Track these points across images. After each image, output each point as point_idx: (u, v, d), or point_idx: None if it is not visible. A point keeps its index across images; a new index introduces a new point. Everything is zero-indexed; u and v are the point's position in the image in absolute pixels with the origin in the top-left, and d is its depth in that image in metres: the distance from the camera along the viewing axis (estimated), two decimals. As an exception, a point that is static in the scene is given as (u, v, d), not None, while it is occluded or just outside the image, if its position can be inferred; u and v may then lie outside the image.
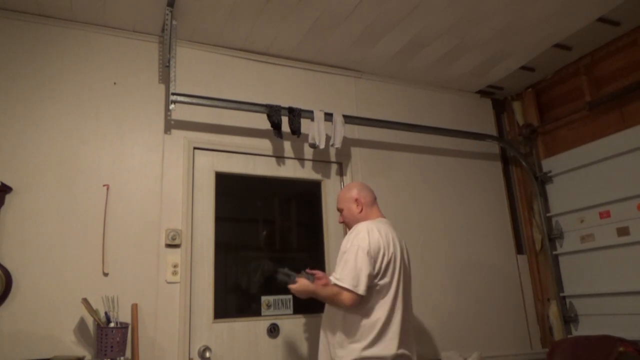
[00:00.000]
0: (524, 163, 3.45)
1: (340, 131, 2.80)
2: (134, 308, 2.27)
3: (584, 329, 3.04)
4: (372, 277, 1.90)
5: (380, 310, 1.91)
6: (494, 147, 3.59)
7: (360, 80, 3.25)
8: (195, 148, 2.66)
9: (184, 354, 2.33)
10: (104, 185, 2.40)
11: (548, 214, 3.31)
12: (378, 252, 1.94)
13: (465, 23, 2.73)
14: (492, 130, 3.63)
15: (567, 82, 3.31)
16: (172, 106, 2.51)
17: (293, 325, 2.62)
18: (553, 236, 3.27)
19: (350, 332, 1.90)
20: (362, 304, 1.90)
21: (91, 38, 2.59)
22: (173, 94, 2.51)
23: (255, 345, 2.51)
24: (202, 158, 2.68)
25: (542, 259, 3.35)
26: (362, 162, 3.05)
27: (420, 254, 3.01)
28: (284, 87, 2.98)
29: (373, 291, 1.91)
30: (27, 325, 2.11)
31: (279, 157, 2.87)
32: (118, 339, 2.10)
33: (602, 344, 2.49)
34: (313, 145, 2.76)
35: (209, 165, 2.69)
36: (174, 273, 2.41)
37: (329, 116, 2.82)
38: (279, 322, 2.60)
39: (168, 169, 2.55)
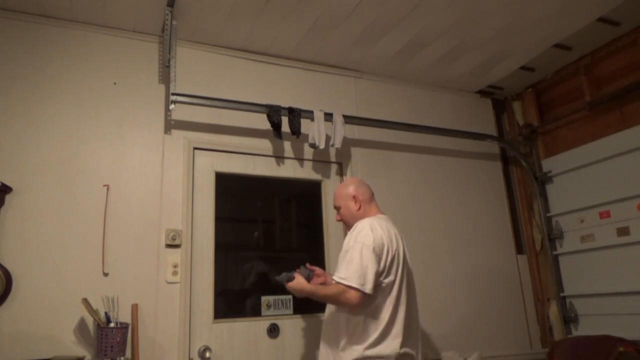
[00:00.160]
0: (524, 163, 3.45)
1: (340, 131, 2.80)
2: (134, 308, 2.27)
3: (584, 329, 3.04)
4: (378, 275, 1.85)
5: (385, 309, 1.86)
6: (494, 147, 3.59)
7: (360, 80, 3.25)
8: (195, 148, 2.66)
9: (184, 354, 2.33)
10: (104, 185, 2.40)
11: (548, 214, 3.31)
12: (382, 249, 1.89)
13: (465, 23, 2.73)
14: (492, 130, 3.63)
15: (567, 82, 3.31)
16: (172, 106, 2.51)
17: (293, 326, 2.62)
18: (553, 236, 3.27)
19: (354, 334, 1.85)
20: (367, 303, 1.85)
21: (91, 38, 2.59)
22: (173, 94, 2.51)
23: (255, 345, 2.51)
24: (202, 158, 2.68)
25: (542, 259, 3.35)
26: (362, 162, 3.05)
27: (420, 254, 3.00)
28: (283, 87, 2.98)
29: (378, 290, 1.86)
30: (27, 325, 2.11)
31: (279, 157, 2.87)
32: (118, 339, 2.10)
33: (602, 344, 2.49)
34: (313, 146, 2.76)
35: (209, 166, 2.69)
36: (174, 273, 2.41)
37: (329, 116, 2.82)
38: (279, 322, 2.60)
39: (168, 169, 2.55)
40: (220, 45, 2.85)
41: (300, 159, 2.92)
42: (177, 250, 2.45)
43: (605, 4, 2.62)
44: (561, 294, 3.17)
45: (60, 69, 2.48)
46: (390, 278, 1.89)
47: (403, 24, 2.71)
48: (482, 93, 3.65)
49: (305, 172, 2.92)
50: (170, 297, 2.38)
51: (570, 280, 3.17)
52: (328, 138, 2.80)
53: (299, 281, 1.94)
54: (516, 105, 3.63)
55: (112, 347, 2.08)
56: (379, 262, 1.86)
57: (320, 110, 2.81)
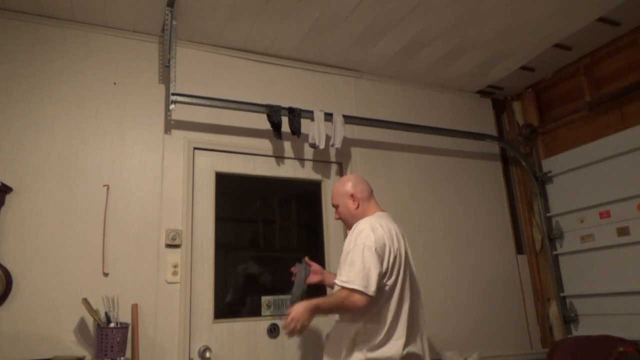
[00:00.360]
0: (524, 163, 3.45)
1: (340, 131, 2.80)
2: (134, 308, 2.27)
3: (584, 329, 3.04)
4: (381, 276, 1.81)
5: (388, 311, 1.82)
6: (494, 147, 3.59)
7: (360, 80, 3.25)
8: (195, 148, 2.66)
9: (184, 354, 2.33)
10: (104, 186, 2.40)
11: (548, 214, 3.31)
12: (384, 250, 1.85)
13: (465, 23, 2.73)
14: (492, 130, 3.63)
15: (567, 82, 3.31)
16: (172, 106, 2.51)
17: (293, 325, 2.62)
18: (553, 236, 3.27)
19: (357, 336, 1.82)
20: (371, 304, 1.80)
21: (91, 38, 2.59)
22: (173, 94, 2.51)
23: (255, 345, 2.51)
24: (202, 158, 2.68)
25: (542, 259, 3.35)
26: (362, 162, 3.05)
27: (420, 254, 3.00)
28: (283, 87, 2.98)
29: (382, 291, 1.83)
30: (27, 325, 2.11)
31: (279, 157, 2.87)
32: (118, 339, 2.10)
33: (602, 344, 2.49)
34: (313, 146, 2.76)
35: (209, 166, 2.69)
36: (174, 273, 2.41)
37: (329, 116, 2.82)
38: (279, 322, 2.60)
39: (168, 169, 2.55)
40: (220, 45, 2.85)
41: (300, 159, 2.92)
42: (177, 250, 2.45)
43: (605, 4, 2.62)
44: (561, 294, 3.17)
45: (60, 69, 2.48)
46: (393, 278, 1.86)
47: (403, 24, 2.71)
48: (482, 93, 3.65)
49: (305, 172, 2.92)
50: (170, 297, 2.38)
51: (570, 280, 3.17)
52: (328, 138, 2.80)
53: (297, 309, 1.78)
54: (516, 105, 3.63)
55: (112, 347, 2.08)
56: (381, 263, 1.82)
57: (320, 110, 2.81)
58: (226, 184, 2.71)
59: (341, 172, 3.01)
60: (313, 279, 2.23)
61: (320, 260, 2.79)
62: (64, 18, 2.53)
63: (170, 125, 2.63)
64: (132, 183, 2.46)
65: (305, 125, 2.77)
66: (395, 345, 1.80)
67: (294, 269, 2.23)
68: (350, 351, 1.82)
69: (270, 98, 2.86)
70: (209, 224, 2.60)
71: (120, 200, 2.41)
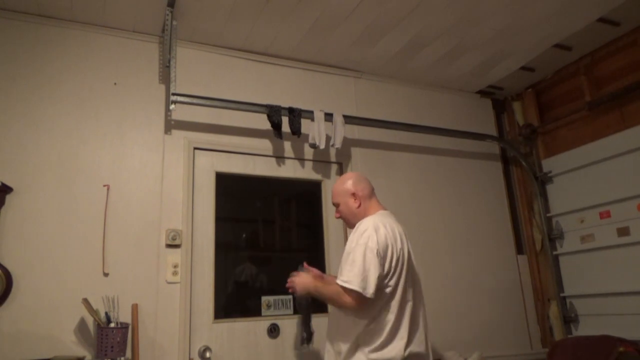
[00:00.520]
0: (524, 163, 3.45)
1: (341, 131, 2.81)
2: (134, 308, 2.27)
3: (584, 329, 3.04)
4: (381, 278, 1.80)
5: (390, 312, 1.81)
6: (494, 147, 3.59)
7: (360, 80, 3.25)
8: (195, 148, 2.66)
9: (184, 354, 2.33)
10: (104, 186, 2.40)
11: (548, 214, 3.31)
12: (386, 251, 1.83)
13: (465, 23, 2.73)
14: (492, 130, 3.63)
15: (567, 82, 3.31)
16: (172, 106, 2.51)
17: (293, 326, 2.62)
18: (553, 236, 3.27)
19: (360, 337, 1.81)
20: (372, 306, 1.80)
21: (91, 38, 2.59)
22: (173, 94, 2.51)
23: (255, 345, 2.51)
24: (202, 158, 2.68)
25: (542, 259, 3.35)
26: (362, 162, 3.05)
27: (420, 254, 2.98)
28: (283, 87, 2.98)
29: (383, 292, 1.82)
30: (27, 325, 2.11)
31: (279, 157, 2.87)
32: (118, 339, 2.10)
33: (602, 344, 2.49)
34: (313, 146, 2.76)
35: (209, 166, 2.69)
36: (174, 273, 2.41)
37: (329, 116, 2.82)
38: (279, 322, 2.60)
39: (168, 169, 2.55)
40: (220, 45, 2.85)
41: (300, 159, 2.92)
42: (177, 250, 2.45)
43: (605, 4, 2.62)
44: (561, 294, 3.17)
45: (60, 69, 2.48)
46: (395, 279, 1.84)
47: (403, 24, 2.72)
48: (482, 93, 3.65)
49: (305, 172, 2.92)
50: (171, 297, 2.38)
51: (570, 281, 3.17)
52: (328, 138, 2.80)
53: (302, 275, 1.90)
54: (516, 106, 3.63)
55: (112, 347, 2.08)
56: (382, 265, 1.81)
57: (321, 110, 2.81)
58: (226, 184, 2.71)
59: (341, 172, 3.01)
60: None
61: (321, 261, 2.80)
62: (64, 18, 2.53)
63: (171, 125, 2.63)
64: (132, 183, 2.46)
65: (305, 125, 2.77)
66: (397, 346, 1.79)
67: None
68: (354, 347, 1.82)
69: (271, 98, 2.86)
70: (209, 224, 2.60)
71: (121, 200, 2.41)
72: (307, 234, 2.93)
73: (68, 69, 2.49)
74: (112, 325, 2.15)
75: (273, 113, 2.68)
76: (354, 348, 1.82)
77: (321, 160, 2.97)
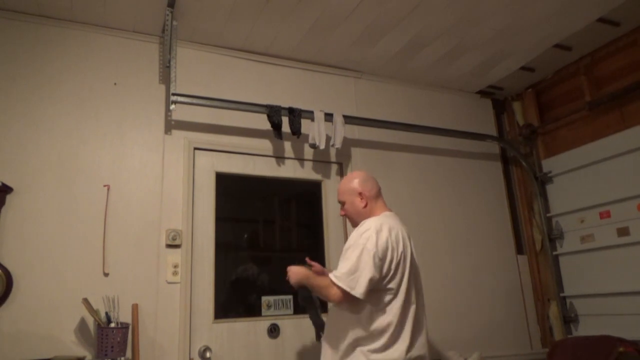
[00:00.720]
0: (524, 163, 3.45)
1: (341, 131, 2.81)
2: (135, 308, 2.27)
3: (584, 329, 3.04)
4: (375, 281, 1.79)
5: (391, 313, 1.80)
6: (494, 147, 3.59)
7: (360, 80, 3.25)
8: (195, 148, 2.66)
9: (184, 354, 2.33)
10: (104, 186, 2.40)
11: (548, 214, 3.31)
12: (386, 254, 1.82)
13: (465, 23, 2.73)
14: (492, 130, 3.63)
15: (567, 82, 3.31)
16: (172, 106, 2.51)
17: (293, 326, 2.62)
18: (553, 236, 3.27)
19: (360, 338, 1.81)
20: (373, 306, 1.80)
21: (91, 38, 2.59)
22: (173, 94, 2.51)
23: (255, 345, 2.51)
24: (202, 158, 2.68)
25: (542, 259, 3.35)
26: (362, 163, 3.05)
27: (420, 254, 2.95)
28: (284, 87, 2.98)
29: (384, 294, 1.82)
30: (28, 325, 2.11)
31: (279, 158, 2.87)
32: (118, 339, 2.10)
33: (602, 344, 2.49)
34: (313, 146, 2.76)
35: (209, 166, 2.69)
36: (175, 273, 2.41)
37: (329, 116, 2.82)
38: (279, 322, 2.60)
39: (168, 169, 2.55)
40: (221, 46, 2.85)
41: (300, 159, 2.92)
42: (178, 251, 2.45)
43: (605, 4, 2.62)
44: (561, 294, 3.17)
45: (60, 69, 2.48)
46: (396, 282, 1.83)
47: (403, 24, 2.72)
48: (482, 93, 3.65)
49: (305, 172, 2.92)
50: (171, 297, 2.38)
51: (570, 281, 3.17)
52: (328, 138, 2.80)
53: (295, 270, 1.92)
54: (516, 106, 3.63)
55: (112, 347, 2.08)
56: (379, 268, 1.80)
57: (321, 111, 2.81)
58: (226, 184, 2.71)
59: (341, 173, 3.01)
60: None
61: (321, 261, 2.78)
62: (64, 18, 2.53)
63: (171, 125, 2.63)
64: (132, 183, 2.46)
65: (305, 125, 2.77)
66: (400, 348, 1.79)
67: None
68: (354, 348, 1.82)
69: (271, 98, 2.86)
70: (209, 224, 2.60)
71: (121, 200, 2.41)
72: (307, 234, 2.93)
73: (68, 69, 2.49)
74: (112, 325, 2.15)
75: (273, 113, 2.68)
76: (352, 347, 1.82)
77: (321, 160, 2.97)
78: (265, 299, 2.62)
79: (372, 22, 2.69)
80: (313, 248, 2.85)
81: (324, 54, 3.01)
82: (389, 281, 1.83)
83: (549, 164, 3.36)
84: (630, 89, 2.84)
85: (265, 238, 2.80)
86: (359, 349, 1.81)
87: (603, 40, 3.00)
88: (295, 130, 2.72)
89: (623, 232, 2.84)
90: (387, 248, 1.83)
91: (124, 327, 2.15)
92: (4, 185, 2.19)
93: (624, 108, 2.93)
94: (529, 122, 3.50)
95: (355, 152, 3.06)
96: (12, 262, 2.15)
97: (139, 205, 2.44)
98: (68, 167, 2.36)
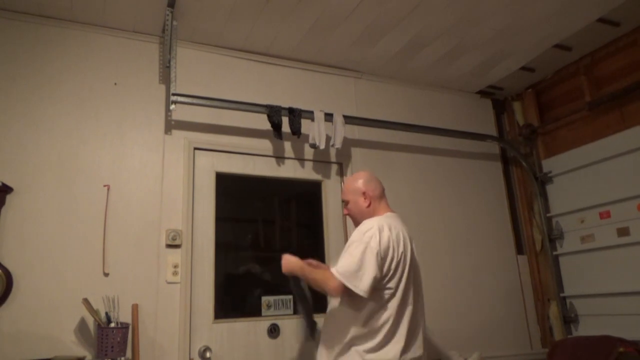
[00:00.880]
0: (524, 163, 3.45)
1: (341, 131, 2.81)
2: (135, 308, 2.27)
3: (584, 329, 3.04)
4: (378, 280, 1.79)
5: (388, 313, 1.81)
6: (494, 148, 3.59)
7: (360, 80, 3.25)
8: (195, 148, 2.66)
9: (185, 354, 2.33)
10: (104, 186, 2.40)
11: (548, 214, 3.31)
12: (387, 253, 1.82)
13: (465, 23, 2.73)
14: (492, 130, 3.63)
15: (567, 82, 3.31)
16: (172, 106, 2.51)
17: (293, 326, 2.62)
18: (553, 236, 3.27)
19: (355, 337, 1.81)
20: (371, 305, 1.81)
21: (91, 38, 2.59)
22: (173, 94, 2.51)
23: (255, 345, 2.51)
24: (202, 158, 2.68)
25: (542, 259, 3.35)
26: (362, 163, 3.05)
27: (420, 254, 2.95)
28: (284, 87, 2.98)
29: (382, 293, 1.82)
30: (28, 325, 2.11)
31: (279, 158, 2.87)
32: (118, 339, 2.10)
33: (602, 344, 2.49)
34: (313, 146, 2.76)
35: (209, 166, 2.69)
36: (175, 273, 2.41)
37: (329, 116, 2.82)
38: (279, 322, 2.60)
39: (168, 169, 2.55)
40: (221, 46, 2.86)
41: (300, 159, 2.92)
42: (178, 251, 2.45)
43: (605, 4, 2.62)
44: (561, 294, 3.17)
45: (60, 69, 2.48)
46: (395, 281, 1.83)
47: (403, 24, 2.72)
48: (482, 93, 3.65)
49: (305, 172, 2.92)
50: (171, 297, 2.38)
51: (570, 281, 3.17)
52: (328, 138, 2.80)
53: (287, 259, 1.90)
54: (516, 106, 3.63)
55: (112, 347, 2.08)
56: (381, 267, 1.80)
57: (321, 111, 2.81)
58: (226, 184, 2.71)
59: (341, 173, 3.01)
60: None
61: (321, 261, 2.78)
62: (64, 18, 2.53)
63: (171, 125, 2.63)
64: (132, 183, 2.46)
65: (305, 125, 2.77)
66: (394, 349, 1.78)
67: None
68: (349, 346, 1.82)
69: (271, 98, 2.86)
70: (209, 224, 2.60)
71: (121, 200, 2.41)
72: (307, 234, 2.93)
73: (68, 69, 2.49)
74: (113, 325, 2.15)
75: (273, 113, 2.68)
76: (348, 346, 1.82)
77: (321, 160, 2.97)
78: (265, 299, 2.62)
79: (372, 22, 2.69)
80: (313, 248, 2.85)
81: (324, 54, 3.01)
82: (388, 280, 1.84)
83: (549, 164, 3.36)
84: (630, 89, 2.84)
85: (265, 238, 2.80)
86: (354, 349, 1.81)
87: (603, 40, 3.00)
88: (295, 130, 2.72)
89: (623, 232, 2.84)
90: (388, 247, 1.84)
91: (124, 327, 2.15)
92: (4, 185, 2.19)
93: (624, 108, 2.93)
94: (529, 122, 3.50)
95: (355, 152, 3.06)
96: (12, 262, 2.15)
97: (139, 205, 2.44)
98: (68, 167, 2.36)
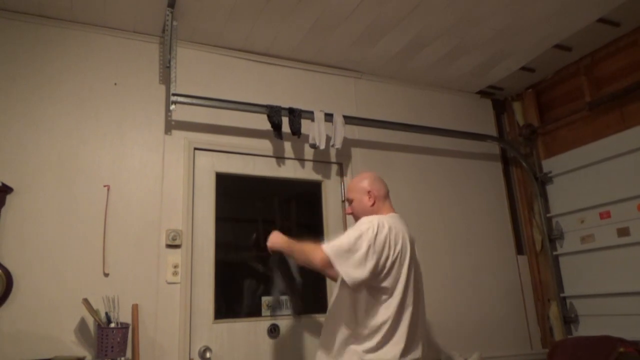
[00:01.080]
0: (524, 163, 3.45)
1: (341, 132, 2.81)
2: (135, 308, 2.27)
3: (584, 330, 3.04)
4: (374, 273, 1.78)
5: (385, 313, 1.80)
6: (494, 148, 3.59)
7: (360, 80, 3.25)
8: (195, 148, 2.66)
9: (185, 354, 2.33)
10: (104, 186, 2.40)
11: (548, 215, 3.31)
12: (382, 250, 1.81)
13: (465, 23, 2.73)
14: (492, 130, 3.63)
15: (567, 82, 3.31)
16: (172, 107, 2.51)
17: (293, 326, 2.62)
18: (553, 237, 3.27)
19: (354, 336, 1.82)
20: (368, 304, 1.81)
21: (91, 38, 2.59)
22: (173, 94, 2.51)
23: (255, 345, 2.51)
24: (202, 158, 2.68)
25: (543, 259, 3.35)
26: (362, 163, 3.05)
27: (420, 254, 2.98)
28: (284, 87, 2.98)
29: (378, 292, 1.82)
30: (28, 326, 2.11)
31: (279, 158, 2.87)
32: (118, 339, 2.10)
33: (602, 344, 2.49)
34: (313, 146, 2.76)
35: (209, 166, 2.69)
36: (175, 273, 2.41)
37: (329, 117, 2.82)
38: (279, 322, 2.60)
39: (168, 169, 2.55)
40: (221, 46, 2.86)
41: (300, 160, 2.92)
42: (178, 251, 2.45)
43: (605, 4, 2.62)
44: (561, 295, 3.17)
45: (60, 69, 2.48)
46: (390, 282, 1.82)
47: (403, 24, 2.72)
48: (482, 93, 3.65)
49: (305, 172, 2.92)
50: (171, 298, 2.38)
51: (570, 281, 3.17)
52: (328, 138, 2.80)
53: (273, 236, 1.95)
54: (516, 106, 3.63)
55: (112, 347, 2.08)
56: (376, 261, 1.79)
57: (321, 111, 2.81)
58: (226, 184, 2.71)
59: (341, 173, 3.01)
60: None
61: (321, 261, 2.79)
62: (64, 18, 2.53)
63: (171, 125, 2.63)
64: (132, 183, 2.46)
65: (305, 125, 2.77)
66: (393, 350, 1.78)
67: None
68: (348, 344, 1.82)
69: (271, 98, 2.86)
70: (209, 224, 2.60)
71: (121, 200, 2.41)
72: (307, 234, 2.92)
73: (68, 69, 2.49)
74: (113, 325, 2.15)
75: (273, 113, 2.68)
76: (346, 346, 1.82)
77: (321, 160, 2.97)
78: (265, 299, 2.62)
79: (372, 22, 2.69)
80: (313, 248, 2.84)
81: (324, 54, 3.01)
82: (383, 279, 1.82)
83: (549, 164, 3.36)
84: (630, 89, 2.84)
85: (265, 238, 2.79)
86: (352, 348, 1.81)
87: (603, 40, 3.00)
88: (295, 131, 2.72)
89: (623, 232, 2.84)
90: (384, 244, 1.82)
91: (124, 327, 2.15)
92: (4, 185, 2.19)
93: (624, 108, 2.93)
94: (529, 123, 3.50)
95: (356, 152, 3.06)
96: (12, 262, 2.15)
97: (139, 206, 2.44)
98: (68, 167, 2.36)
